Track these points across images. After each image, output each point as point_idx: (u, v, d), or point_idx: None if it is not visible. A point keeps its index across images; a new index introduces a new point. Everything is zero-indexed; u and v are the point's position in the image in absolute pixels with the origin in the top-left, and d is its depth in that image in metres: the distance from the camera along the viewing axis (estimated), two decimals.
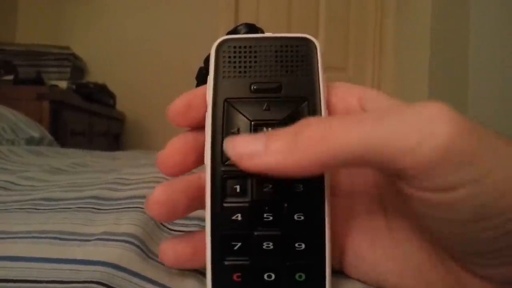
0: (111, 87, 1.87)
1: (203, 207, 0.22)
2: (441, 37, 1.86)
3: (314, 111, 0.21)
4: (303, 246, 0.20)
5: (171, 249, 0.22)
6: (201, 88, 0.22)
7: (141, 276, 0.22)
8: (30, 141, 1.06)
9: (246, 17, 2.13)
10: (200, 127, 0.22)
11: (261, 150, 0.18)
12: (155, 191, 0.21)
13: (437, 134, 0.16)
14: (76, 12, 2.03)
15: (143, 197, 0.33)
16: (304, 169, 0.17)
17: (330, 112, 0.22)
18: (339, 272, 0.23)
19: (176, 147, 0.22)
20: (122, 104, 1.96)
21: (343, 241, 0.23)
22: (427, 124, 0.16)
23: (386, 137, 0.17)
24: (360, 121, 0.17)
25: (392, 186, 0.21)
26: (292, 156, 0.17)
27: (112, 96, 1.87)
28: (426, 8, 1.90)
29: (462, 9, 1.84)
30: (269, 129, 0.21)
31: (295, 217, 0.20)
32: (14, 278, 0.20)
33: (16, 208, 0.32)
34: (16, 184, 0.41)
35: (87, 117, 1.64)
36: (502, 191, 0.16)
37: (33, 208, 0.32)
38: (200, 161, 0.23)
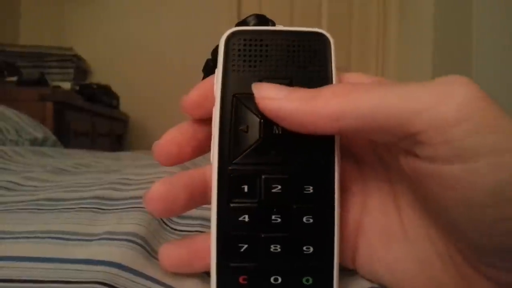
0: (115, 88, 1.87)
1: (205, 203, 0.22)
2: (444, 37, 1.85)
3: None
4: (311, 249, 0.20)
5: (166, 255, 0.22)
6: (213, 79, 0.21)
7: (144, 275, 0.22)
8: (34, 141, 1.06)
9: None
10: (205, 119, 0.22)
11: (282, 96, 0.19)
12: (153, 187, 0.21)
13: (454, 95, 0.16)
14: (79, 13, 2.04)
15: None
16: (319, 120, 0.18)
17: None
18: (345, 270, 0.23)
19: (171, 138, 0.22)
20: (126, 105, 1.96)
21: (356, 240, 0.22)
22: (445, 87, 0.16)
23: (402, 98, 0.17)
24: (378, 85, 0.18)
25: (405, 179, 0.21)
26: (309, 105, 0.18)
27: (115, 97, 1.87)
28: (429, 8, 1.90)
29: (464, 9, 1.84)
30: (280, 128, 0.20)
31: (304, 219, 0.20)
32: (17, 278, 0.20)
33: (19, 208, 0.32)
34: (19, 185, 0.41)
35: (90, 118, 1.64)
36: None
37: (36, 208, 0.32)
38: (196, 153, 0.22)
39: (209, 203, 0.21)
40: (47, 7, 2.03)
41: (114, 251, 0.23)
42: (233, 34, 0.21)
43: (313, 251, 0.20)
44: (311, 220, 0.20)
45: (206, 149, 0.23)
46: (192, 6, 2.07)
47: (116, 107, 1.89)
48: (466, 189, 0.16)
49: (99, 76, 1.98)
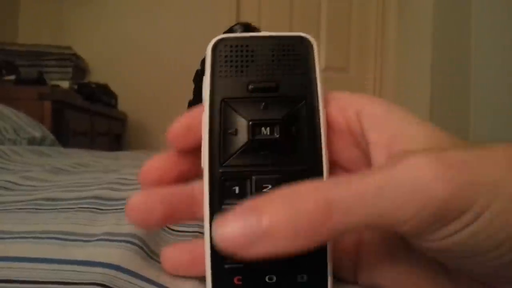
0: (113, 87, 1.87)
1: (194, 218, 0.22)
2: (443, 36, 1.85)
3: (312, 110, 0.21)
4: None
5: (168, 257, 0.22)
6: (198, 109, 0.22)
7: (143, 277, 0.22)
8: (32, 141, 1.06)
9: (248, 18, 2.13)
10: (192, 149, 0.22)
11: (256, 231, 0.16)
12: (132, 198, 0.21)
13: (433, 199, 0.16)
14: (78, 12, 2.03)
15: None
16: (307, 249, 0.17)
17: (330, 125, 0.22)
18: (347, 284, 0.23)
19: (157, 165, 0.22)
20: (124, 104, 1.96)
21: (357, 252, 0.22)
22: (423, 190, 0.16)
23: (386, 212, 0.17)
24: (361, 198, 0.17)
25: None
26: (293, 240, 0.16)
27: (113, 96, 1.87)
28: (427, 8, 1.90)
29: (463, 8, 1.84)
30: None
31: None
32: (15, 279, 0.20)
33: (17, 208, 0.32)
34: (17, 184, 0.41)
35: (89, 117, 1.64)
36: (499, 226, 0.16)
37: (34, 208, 0.32)
38: (181, 180, 0.23)
39: (200, 220, 0.21)
40: (45, 5, 2.03)
41: (112, 252, 0.23)
42: (219, 41, 0.22)
43: None
44: None
45: (191, 177, 0.23)
46: (191, 5, 2.07)
47: (115, 106, 1.89)
48: (446, 253, 0.18)
49: (97, 75, 1.98)
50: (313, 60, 0.22)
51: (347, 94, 0.22)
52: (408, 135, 0.20)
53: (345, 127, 0.22)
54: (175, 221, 0.22)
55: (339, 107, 0.22)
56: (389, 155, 0.20)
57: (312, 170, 0.20)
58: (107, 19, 2.05)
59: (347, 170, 0.23)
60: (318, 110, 0.21)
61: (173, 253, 0.22)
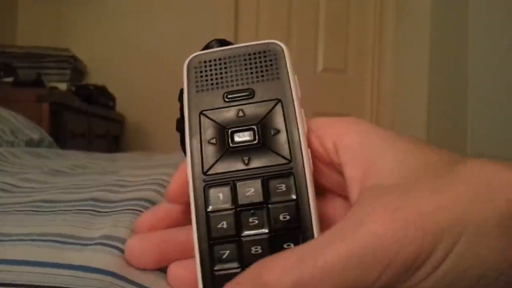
0: (111, 89, 1.87)
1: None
2: (440, 37, 1.86)
3: (288, 111, 0.21)
4: (292, 246, 0.20)
5: (173, 273, 0.23)
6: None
7: (139, 285, 0.22)
8: (30, 143, 1.06)
9: (246, 20, 2.13)
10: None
11: None
12: (128, 240, 0.23)
13: (396, 258, 0.17)
14: (76, 14, 2.03)
15: (142, 199, 0.33)
16: None
17: (314, 154, 0.22)
18: None
19: (149, 223, 0.24)
20: (122, 106, 1.96)
21: None
22: (385, 251, 0.17)
23: (356, 279, 0.17)
24: (330, 271, 0.17)
25: None
26: None
27: (111, 98, 1.87)
28: (425, 9, 1.90)
29: (461, 9, 1.84)
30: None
31: (281, 217, 0.20)
32: (12, 282, 0.20)
33: (15, 210, 0.32)
34: (15, 186, 0.41)
35: (87, 119, 1.64)
36: (470, 262, 0.17)
37: (32, 210, 0.32)
38: (176, 225, 0.24)
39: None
40: (44, 7, 2.03)
41: (109, 258, 0.23)
42: (192, 58, 0.23)
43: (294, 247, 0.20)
44: (288, 217, 0.20)
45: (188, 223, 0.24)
46: (190, 7, 2.07)
47: (113, 108, 1.89)
48: None
49: (95, 77, 1.97)
50: (285, 64, 0.22)
51: (326, 122, 0.23)
52: (380, 169, 0.20)
53: (327, 157, 0.22)
54: (169, 263, 0.23)
55: (319, 139, 0.22)
56: (360, 191, 0.20)
57: (293, 169, 0.21)
58: (105, 20, 2.05)
59: (337, 193, 0.23)
60: (294, 110, 0.21)
61: (179, 270, 0.22)
